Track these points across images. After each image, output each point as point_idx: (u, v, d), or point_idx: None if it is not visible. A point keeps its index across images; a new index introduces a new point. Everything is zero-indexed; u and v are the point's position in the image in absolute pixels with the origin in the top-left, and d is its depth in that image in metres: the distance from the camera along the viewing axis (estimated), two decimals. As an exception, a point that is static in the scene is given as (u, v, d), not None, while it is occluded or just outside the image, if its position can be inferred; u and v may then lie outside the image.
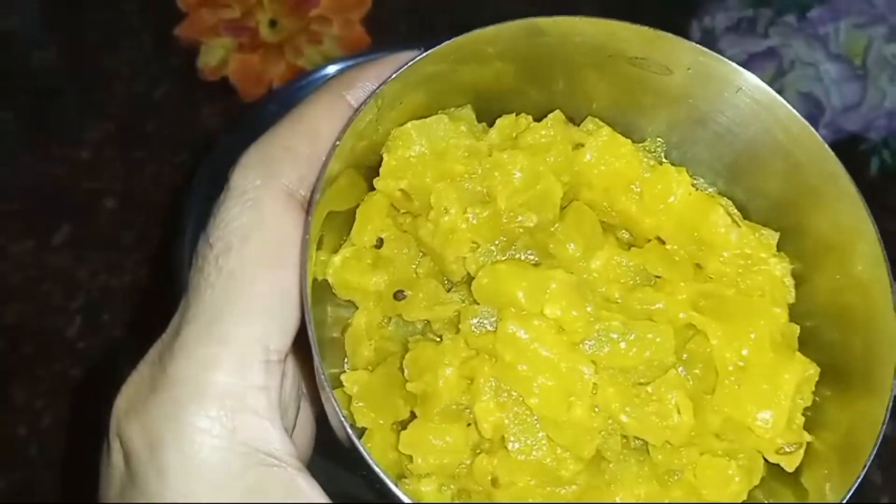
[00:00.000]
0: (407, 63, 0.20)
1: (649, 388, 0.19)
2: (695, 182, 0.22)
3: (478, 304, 0.19)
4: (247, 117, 0.52)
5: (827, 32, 0.51)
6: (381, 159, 0.20)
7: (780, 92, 0.57)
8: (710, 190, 0.22)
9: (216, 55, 0.57)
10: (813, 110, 0.51)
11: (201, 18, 0.56)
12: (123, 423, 0.16)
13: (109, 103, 0.57)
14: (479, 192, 0.20)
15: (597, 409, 0.18)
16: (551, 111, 0.21)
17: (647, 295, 0.19)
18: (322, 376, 0.17)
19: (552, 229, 0.19)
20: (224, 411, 0.16)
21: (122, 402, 0.17)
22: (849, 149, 0.55)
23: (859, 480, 0.18)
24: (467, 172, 0.20)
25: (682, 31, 0.65)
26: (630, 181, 0.20)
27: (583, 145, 0.20)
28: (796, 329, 0.21)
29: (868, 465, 0.18)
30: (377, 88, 0.19)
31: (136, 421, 0.16)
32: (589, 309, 0.18)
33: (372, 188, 0.20)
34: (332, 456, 0.19)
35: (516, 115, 0.21)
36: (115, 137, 0.55)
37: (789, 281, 0.21)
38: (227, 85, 0.56)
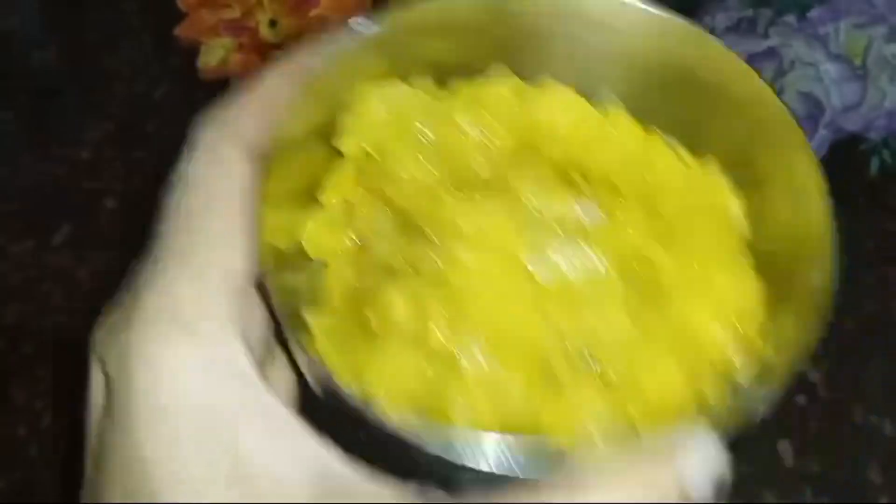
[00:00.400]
0: (367, 29, 0.21)
1: (593, 305, 0.20)
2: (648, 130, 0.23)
3: (435, 241, 0.20)
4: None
5: (827, 32, 0.51)
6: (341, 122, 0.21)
7: (780, 92, 0.57)
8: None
9: (216, 55, 0.57)
10: (813, 110, 0.51)
11: (201, 18, 0.56)
12: (102, 349, 0.18)
13: (109, 103, 0.57)
14: (438, 149, 0.21)
15: (543, 326, 0.19)
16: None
17: (597, 230, 0.20)
18: (284, 321, 0.18)
19: (507, 178, 0.20)
20: (190, 332, 0.17)
21: (100, 333, 0.18)
22: (849, 149, 0.55)
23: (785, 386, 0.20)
24: (425, 130, 0.21)
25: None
26: (582, 130, 0.22)
27: (534, 100, 0.22)
28: (746, 253, 0.22)
29: (795, 371, 0.20)
30: (334, 51, 0.20)
31: (112, 347, 0.17)
32: (536, 237, 0.19)
33: (335, 154, 0.21)
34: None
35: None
36: (115, 137, 0.55)
37: (741, 216, 0.22)
38: (227, 85, 0.56)
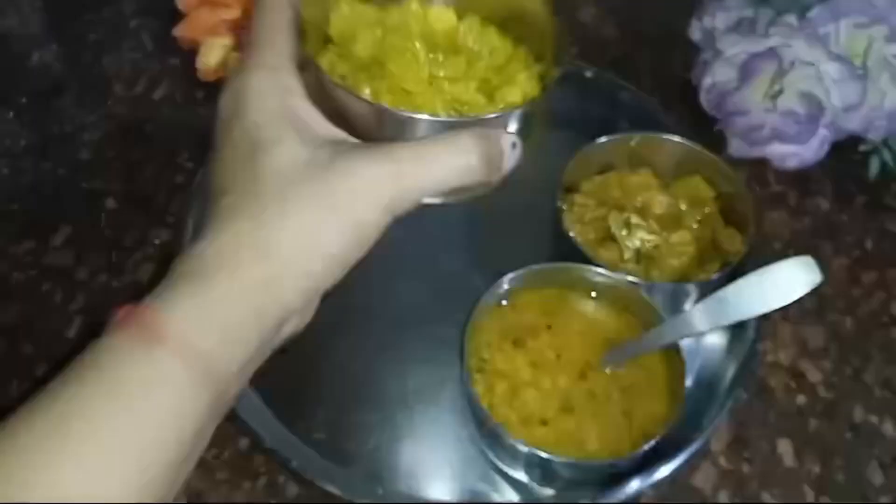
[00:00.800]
0: None
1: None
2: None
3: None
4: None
5: (827, 32, 0.51)
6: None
7: (780, 92, 0.57)
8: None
9: (216, 55, 0.57)
10: (813, 110, 0.51)
11: (201, 19, 0.56)
12: (223, 90, 0.30)
13: (109, 103, 0.57)
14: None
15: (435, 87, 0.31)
16: None
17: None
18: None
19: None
20: (270, 74, 0.29)
21: (225, 93, 0.30)
22: (849, 149, 0.55)
23: None
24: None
25: (682, 31, 0.65)
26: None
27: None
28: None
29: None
30: None
31: (228, 90, 0.29)
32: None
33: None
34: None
35: None
36: (114, 137, 0.55)
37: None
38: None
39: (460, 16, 0.34)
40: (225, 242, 0.26)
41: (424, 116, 0.28)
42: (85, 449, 0.23)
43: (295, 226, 0.26)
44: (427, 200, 0.29)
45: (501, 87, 0.32)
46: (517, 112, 0.29)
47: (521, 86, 0.32)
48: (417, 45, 0.31)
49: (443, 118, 0.29)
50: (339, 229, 0.26)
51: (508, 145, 0.29)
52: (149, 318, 0.24)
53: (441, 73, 0.31)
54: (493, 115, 0.29)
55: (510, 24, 0.34)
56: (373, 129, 0.29)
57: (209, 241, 0.26)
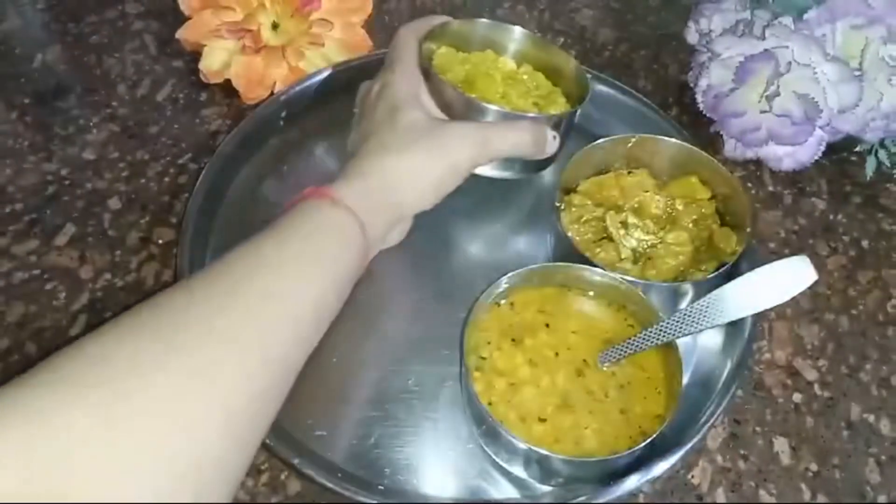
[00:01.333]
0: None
1: None
2: None
3: None
4: (249, 119, 0.53)
5: (824, 34, 0.52)
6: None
7: (776, 93, 0.57)
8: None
9: (218, 58, 0.57)
10: (810, 111, 0.51)
11: (203, 21, 0.56)
12: (383, 76, 0.47)
13: (112, 105, 0.58)
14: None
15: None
16: None
17: None
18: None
19: None
20: (408, 74, 0.46)
21: (369, 84, 0.48)
22: (845, 150, 0.56)
23: None
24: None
25: (678, 34, 0.66)
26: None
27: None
28: None
29: None
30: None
31: (379, 81, 0.46)
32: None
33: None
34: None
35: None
36: (118, 139, 0.55)
37: None
38: (229, 87, 0.57)
39: (519, 64, 0.51)
40: (375, 163, 0.41)
41: (497, 107, 0.44)
42: (299, 267, 0.35)
43: (416, 160, 0.41)
44: (488, 172, 0.46)
45: (546, 106, 0.48)
46: (555, 116, 0.47)
47: (559, 106, 0.49)
48: (495, 73, 0.49)
49: (509, 111, 0.45)
50: (441, 166, 0.41)
51: (550, 135, 0.45)
52: (329, 192, 0.38)
53: (510, 91, 0.48)
54: (540, 115, 0.46)
55: (550, 73, 0.51)
56: (463, 114, 0.44)
57: (366, 159, 0.41)
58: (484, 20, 0.51)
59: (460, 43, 0.50)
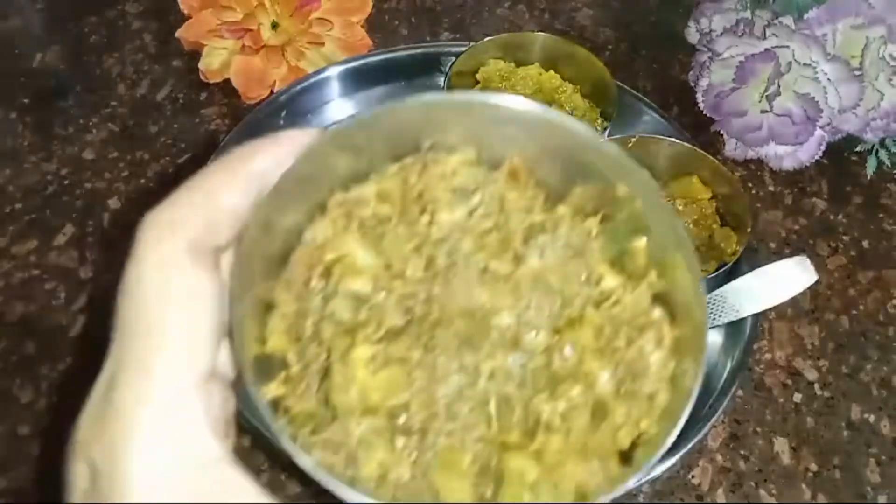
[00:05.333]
0: (315, 141, 0.25)
1: None
2: None
3: None
4: (248, 119, 0.53)
5: (824, 34, 0.52)
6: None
7: (777, 93, 0.57)
8: None
9: (218, 57, 0.57)
10: (810, 111, 0.51)
11: (203, 21, 0.56)
12: (85, 447, 0.21)
13: (112, 104, 0.58)
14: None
15: None
16: None
17: None
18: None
19: None
20: (166, 428, 0.20)
21: (81, 431, 0.21)
22: (845, 150, 0.56)
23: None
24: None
25: (679, 33, 0.65)
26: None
27: None
28: None
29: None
30: (280, 178, 0.25)
31: (96, 443, 0.20)
32: None
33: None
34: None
35: None
36: (117, 138, 0.55)
37: None
38: (228, 87, 0.57)
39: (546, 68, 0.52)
40: None
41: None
42: None
43: None
44: None
45: None
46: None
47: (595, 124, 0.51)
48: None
49: None
50: None
51: None
52: None
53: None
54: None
55: (589, 91, 0.52)
56: None
57: None
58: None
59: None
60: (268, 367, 0.25)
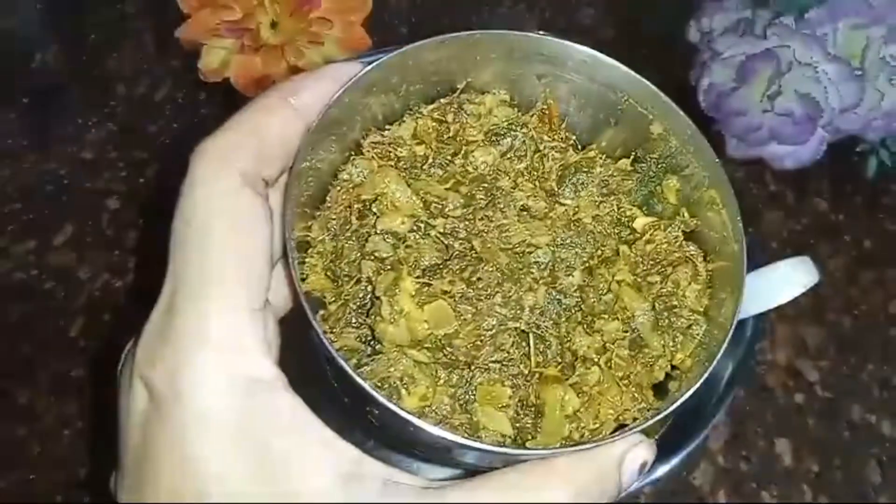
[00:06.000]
0: (355, 76, 0.26)
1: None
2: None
3: None
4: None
5: (825, 33, 0.51)
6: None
7: (778, 93, 0.57)
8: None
9: (217, 56, 0.57)
10: (811, 111, 0.51)
11: (202, 20, 0.56)
12: (146, 368, 0.21)
13: (111, 104, 0.57)
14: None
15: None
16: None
17: None
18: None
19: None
20: (224, 352, 0.20)
21: (140, 353, 0.21)
22: (847, 150, 0.56)
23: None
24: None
25: (680, 33, 0.65)
26: None
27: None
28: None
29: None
30: (323, 114, 0.25)
31: (156, 366, 0.21)
32: None
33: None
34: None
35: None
36: (116, 138, 0.55)
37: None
38: (228, 86, 0.57)
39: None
40: None
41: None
42: None
43: None
44: None
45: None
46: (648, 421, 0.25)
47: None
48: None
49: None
50: None
51: (631, 463, 0.22)
52: None
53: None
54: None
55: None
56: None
57: None
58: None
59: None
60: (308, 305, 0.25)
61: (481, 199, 0.27)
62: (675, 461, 0.38)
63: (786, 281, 0.32)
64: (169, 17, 0.59)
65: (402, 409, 0.22)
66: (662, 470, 0.38)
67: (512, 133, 0.28)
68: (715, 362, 0.24)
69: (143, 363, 0.21)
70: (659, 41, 0.64)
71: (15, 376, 0.44)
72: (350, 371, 0.22)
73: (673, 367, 0.27)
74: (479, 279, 0.25)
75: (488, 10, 0.66)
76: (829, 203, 0.55)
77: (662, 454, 0.38)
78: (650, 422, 0.24)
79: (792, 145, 0.53)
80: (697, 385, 0.24)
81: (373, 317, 0.25)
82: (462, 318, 0.25)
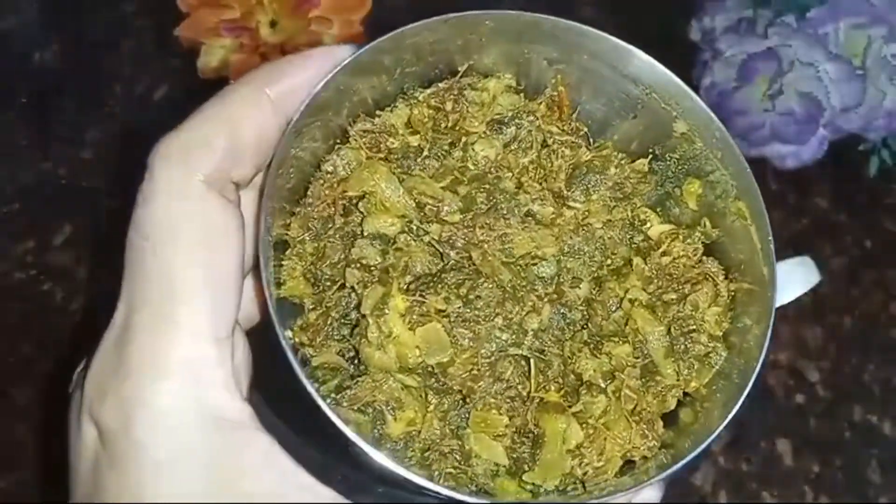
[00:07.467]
0: (344, 60, 0.22)
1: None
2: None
3: None
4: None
5: (826, 33, 0.51)
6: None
7: (779, 92, 0.57)
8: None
9: (216, 55, 0.57)
10: (812, 110, 0.51)
11: (202, 19, 0.56)
12: (96, 405, 0.18)
13: (110, 103, 0.57)
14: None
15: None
16: None
17: None
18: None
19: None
20: (184, 387, 0.17)
21: (90, 387, 0.19)
22: (848, 149, 0.55)
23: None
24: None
25: (681, 32, 0.65)
26: None
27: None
28: None
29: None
30: (311, 98, 0.21)
31: (107, 401, 0.18)
32: None
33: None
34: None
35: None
36: (115, 137, 0.55)
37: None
38: (227, 85, 0.56)
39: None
40: None
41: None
42: None
43: None
44: None
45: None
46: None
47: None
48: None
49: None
50: None
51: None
52: None
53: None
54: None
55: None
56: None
57: None
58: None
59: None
60: (282, 313, 0.22)
61: (482, 202, 0.24)
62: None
63: (787, 281, 0.32)
64: (168, 17, 0.59)
65: (374, 449, 0.19)
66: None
67: (517, 121, 0.25)
68: (739, 404, 0.22)
69: (92, 398, 0.18)
70: (660, 40, 0.64)
71: (13, 377, 0.44)
72: (323, 406, 0.19)
73: (685, 394, 0.24)
74: (477, 297, 0.22)
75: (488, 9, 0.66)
76: (830, 202, 0.55)
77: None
78: (665, 474, 0.21)
79: (793, 145, 0.53)
80: (718, 431, 0.21)
81: (357, 337, 0.22)
82: (458, 343, 0.22)
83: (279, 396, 0.20)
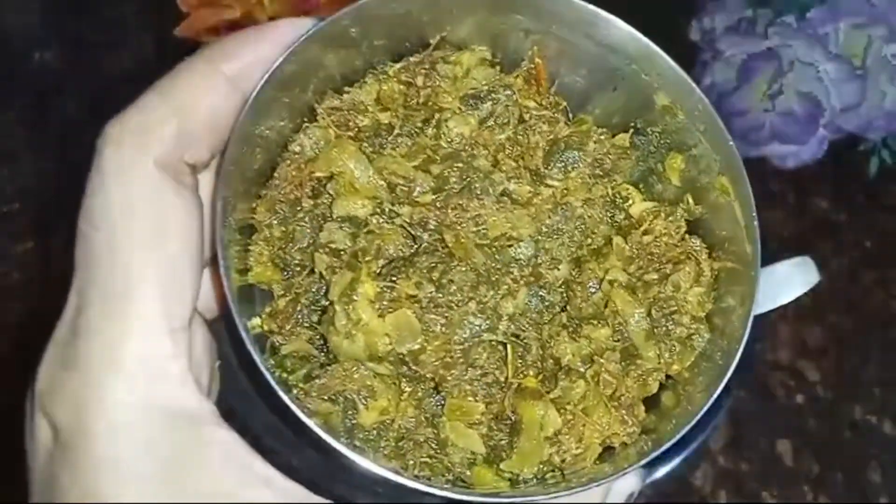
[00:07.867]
0: (306, 32, 0.21)
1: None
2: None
3: None
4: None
5: (826, 33, 0.51)
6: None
7: (779, 92, 0.57)
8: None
9: (217, 55, 0.57)
10: (812, 110, 0.51)
11: (202, 19, 0.56)
12: (47, 400, 0.18)
13: (110, 103, 0.57)
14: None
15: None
16: None
17: None
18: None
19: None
20: (139, 382, 0.17)
21: (42, 382, 0.18)
22: (848, 149, 0.55)
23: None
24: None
25: (681, 32, 0.65)
26: None
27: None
28: None
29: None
30: (271, 72, 0.20)
31: (59, 397, 0.17)
32: None
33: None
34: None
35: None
36: (115, 138, 0.55)
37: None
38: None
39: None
40: None
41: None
42: None
43: None
44: None
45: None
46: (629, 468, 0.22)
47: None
48: None
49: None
50: None
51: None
52: None
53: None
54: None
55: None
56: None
57: None
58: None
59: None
60: (249, 300, 0.21)
61: (455, 182, 0.23)
62: (675, 461, 0.38)
63: (787, 281, 0.32)
64: (168, 16, 0.59)
65: (336, 441, 0.19)
66: (662, 470, 0.38)
67: (493, 96, 0.24)
68: (721, 387, 0.21)
69: (44, 394, 0.18)
70: (660, 40, 0.64)
71: (14, 377, 0.44)
72: (285, 397, 0.18)
73: (667, 377, 0.24)
74: (450, 281, 0.21)
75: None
76: (830, 202, 0.55)
77: (663, 454, 0.38)
78: (644, 461, 0.20)
79: (793, 144, 0.53)
80: (700, 415, 0.20)
81: (325, 325, 0.21)
82: (430, 330, 0.21)
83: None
